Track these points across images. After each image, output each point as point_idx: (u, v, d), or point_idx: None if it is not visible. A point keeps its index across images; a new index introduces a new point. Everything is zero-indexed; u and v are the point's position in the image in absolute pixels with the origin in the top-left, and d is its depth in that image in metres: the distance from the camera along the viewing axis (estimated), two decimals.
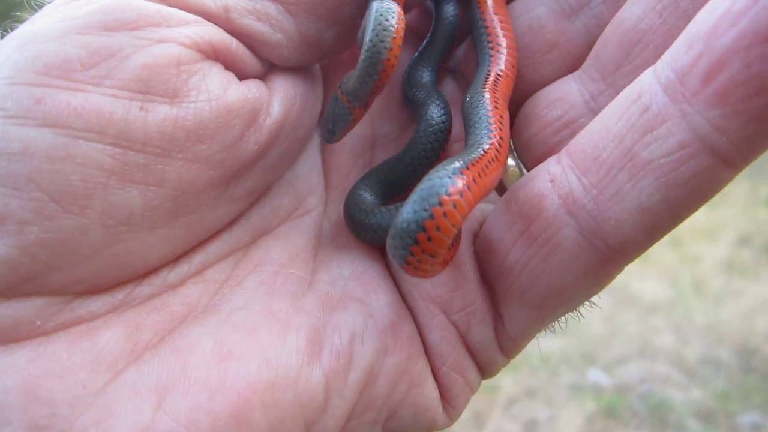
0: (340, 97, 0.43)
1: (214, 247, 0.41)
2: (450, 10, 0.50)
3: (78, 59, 0.32)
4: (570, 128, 0.42)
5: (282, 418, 0.34)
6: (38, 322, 0.32)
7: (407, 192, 0.39)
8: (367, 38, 0.39)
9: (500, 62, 0.44)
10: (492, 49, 0.44)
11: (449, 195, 0.31)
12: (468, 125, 0.41)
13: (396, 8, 0.40)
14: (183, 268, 0.39)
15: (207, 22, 0.37)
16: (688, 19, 0.32)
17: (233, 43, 0.38)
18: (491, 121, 0.39)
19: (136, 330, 0.35)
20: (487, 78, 0.43)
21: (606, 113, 0.35)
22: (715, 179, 0.32)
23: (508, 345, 0.42)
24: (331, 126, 0.44)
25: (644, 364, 2.39)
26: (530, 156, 0.44)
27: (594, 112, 0.41)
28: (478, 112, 0.40)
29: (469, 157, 0.35)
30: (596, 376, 2.36)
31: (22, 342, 0.32)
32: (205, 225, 0.39)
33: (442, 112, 0.46)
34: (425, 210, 0.31)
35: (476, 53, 0.46)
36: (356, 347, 0.38)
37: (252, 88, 0.39)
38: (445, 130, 0.45)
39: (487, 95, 0.42)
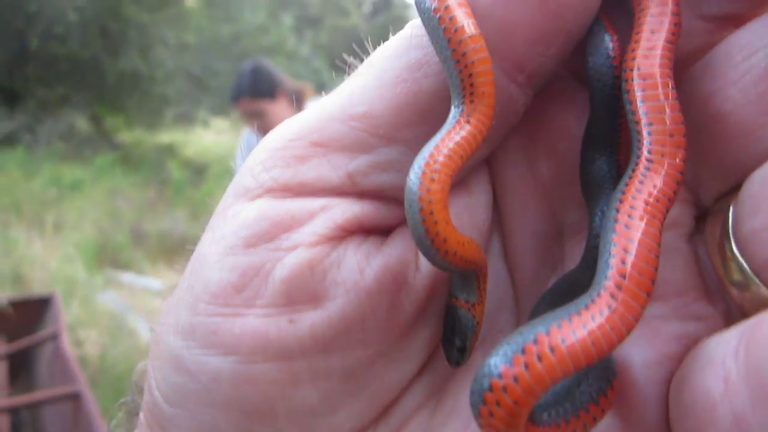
0: (453, 304, 0.38)
1: (408, 400, 0.41)
2: (600, 64, 0.37)
3: (231, 284, 0.36)
4: None
5: None
6: None
7: None
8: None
9: (646, 158, 0.33)
10: (638, 134, 0.34)
11: (512, 365, 0.27)
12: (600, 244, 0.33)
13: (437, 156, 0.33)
14: (383, 429, 0.40)
15: (334, 200, 0.37)
16: None
17: (364, 209, 0.38)
18: (613, 252, 0.31)
19: None
20: (627, 185, 0.33)
21: None
22: None
23: None
24: (460, 343, 0.38)
25: None
26: (755, 255, 0.33)
27: None
28: (604, 237, 0.32)
29: (568, 311, 0.29)
30: None
31: None
32: (391, 386, 0.40)
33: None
34: (486, 378, 0.28)
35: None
36: None
37: (394, 250, 0.38)
38: None
39: (616, 210, 0.32)
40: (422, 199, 0.32)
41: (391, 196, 0.38)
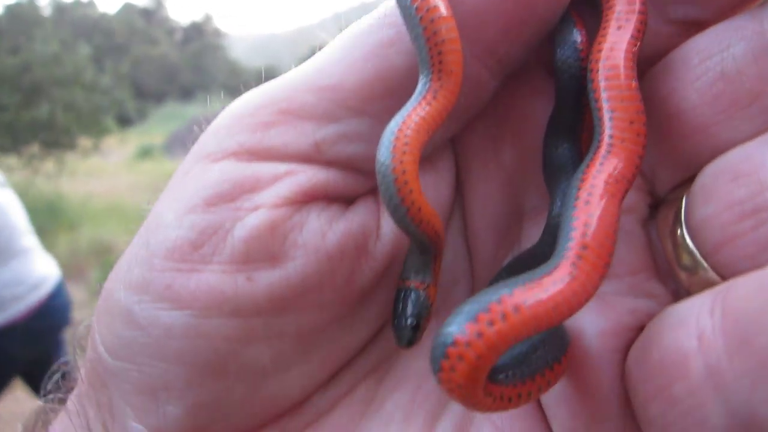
0: (407, 286, 0.39)
1: (359, 365, 0.42)
2: (568, 56, 0.39)
3: (189, 241, 0.36)
4: (757, 218, 0.33)
5: None
6: None
7: None
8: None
9: (608, 143, 0.35)
10: (600, 120, 0.36)
11: (476, 322, 0.28)
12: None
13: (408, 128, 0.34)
14: (333, 392, 0.41)
15: (300, 166, 0.38)
16: None
17: (329, 177, 0.38)
18: (574, 225, 0.32)
19: None
20: (589, 166, 0.35)
21: None
22: None
23: None
24: (415, 321, 0.38)
25: None
26: (705, 241, 0.35)
27: None
28: (566, 213, 0.34)
29: (531, 276, 0.30)
30: None
31: None
32: (343, 350, 0.41)
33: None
34: (450, 334, 0.28)
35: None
36: None
37: (356, 217, 0.39)
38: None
39: (578, 188, 0.34)
40: (396, 170, 0.33)
41: (356, 167, 0.39)
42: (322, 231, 0.37)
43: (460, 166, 0.43)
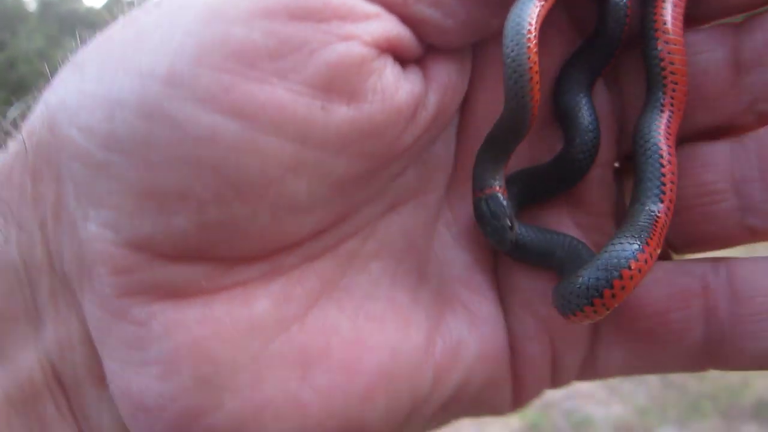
0: (488, 194, 0.41)
1: (351, 222, 0.41)
2: (619, 7, 0.43)
3: (265, 49, 0.32)
4: (710, 198, 0.42)
5: (397, 404, 0.40)
6: (203, 284, 0.36)
7: (546, 200, 0.45)
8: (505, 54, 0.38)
9: (675, 100, 0.41)
10: (666, 80, 0.41)
11: (630, 269, 0.35)
12: (639, 173, 0.40)
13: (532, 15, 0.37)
14: (322, 241, 0.40)
15: (386, 13, 0.36)
16: None
17: (405, 34, 0.37)
18: (664, 180, 0.39)
19: (284, 301, 0.38)
20: (664, 121, 0.41)
21: None
22: None
23: (588, 375, 0.46)
24: (510, 223, 0.41)
25: None
26: None
27: (739, 196, 0.41)
28: (652, 165, 0.40)
29: (646, 231, 0.37)
30: None
31: (189, 300, 0.35)
32: (351, 206, 0.41)
33: (593, 122, 0.44)
34: (606, 280, 0.35)
35: (646, 73, 0.42)
36: (462, 350, 0.42)
37: (415, 82, 0.39)
38: (596, 140, 0.43)
39: (661, 142, 0.40)
40: (532, 70, 0.37)
41: (423, 32, 0.38)
42: (396, 83, 0.37)
43: (474, 75, 0.44)
